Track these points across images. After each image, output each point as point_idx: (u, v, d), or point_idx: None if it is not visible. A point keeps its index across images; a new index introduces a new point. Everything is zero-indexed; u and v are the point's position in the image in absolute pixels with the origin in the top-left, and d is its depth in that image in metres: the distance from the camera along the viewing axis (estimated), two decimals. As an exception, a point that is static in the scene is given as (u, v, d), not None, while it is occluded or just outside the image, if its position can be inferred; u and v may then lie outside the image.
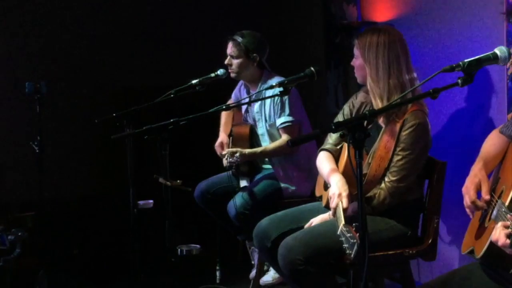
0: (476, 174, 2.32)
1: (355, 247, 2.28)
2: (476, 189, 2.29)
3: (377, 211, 2.87)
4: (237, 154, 3.73)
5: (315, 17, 4.88)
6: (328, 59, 4.70)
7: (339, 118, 3.13)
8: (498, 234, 1.97)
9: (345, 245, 2.37)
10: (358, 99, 3.11)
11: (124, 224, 3.26)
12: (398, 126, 2.84)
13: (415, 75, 2.94)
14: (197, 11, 5.26)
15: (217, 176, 4.10)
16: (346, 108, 3.15)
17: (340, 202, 2.74)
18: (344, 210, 2.70)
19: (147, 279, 3.52)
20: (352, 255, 2.30)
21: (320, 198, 3.18)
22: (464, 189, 2.31)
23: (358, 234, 2.29)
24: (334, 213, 2.78)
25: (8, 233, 3.66)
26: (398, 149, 2.84)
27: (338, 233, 2.48)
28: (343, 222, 2.55)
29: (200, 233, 4.22)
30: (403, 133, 2.83)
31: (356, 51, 2.98)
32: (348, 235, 2.37)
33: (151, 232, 3.43)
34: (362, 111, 3.05)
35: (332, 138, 3.14)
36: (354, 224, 2.40)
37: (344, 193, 2.78)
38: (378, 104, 2.89)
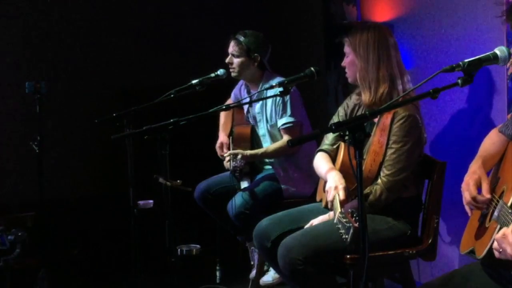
0: (475, 171, 2.29)
1: (351, 231, 2.28)
2: (476, 185, 2.26)
3: (375, 207, 2.87)
4: (239, 157, 3.73)
5: (315, 17, 4.88)
6: (328, 59, 4.70)
7: (334, 120, 3.16)
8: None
9: (342, 231, 2.37)
10: (351, 100, 3.13)
11: (124, 224, 3.26)
12: (388, 119, 2.85)
13: (406, 72, 2.98)
14: (198, 11, 5.26)
15: (217, 176, 4.10)
16: (341, 110, 3.17)
17: (337, 195, 2.74)
18: (341, 202, 2.70)
19: (147, 279, 3.52)
20: (348, 239, 2.30)
21: (321, 201, 3.18)
22: (463, 186, 2.28)
23: (354, 218, 2.29)
24: (332, 206, 2.77)
25: (8, 233, 3.65)
26: (390, 142, 2.85)
27: (335, 221, 2.48)
28: (339, 210, 2.55)
29: (200, 233, 4.22)
30: (394, 126, 2.85)
31: (347, 49, 3.01)
32: (344, 220, 2.37)
33: (151, 232, 3.43)
34: (355, 113, 3.08)
35: (328, 138, 3.15)
36: (349, 210, 2.40)
37: (341, 186, 2.79)
38: (366, 94, 2.92)
